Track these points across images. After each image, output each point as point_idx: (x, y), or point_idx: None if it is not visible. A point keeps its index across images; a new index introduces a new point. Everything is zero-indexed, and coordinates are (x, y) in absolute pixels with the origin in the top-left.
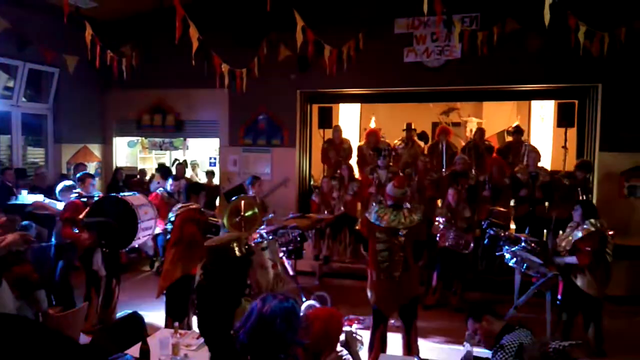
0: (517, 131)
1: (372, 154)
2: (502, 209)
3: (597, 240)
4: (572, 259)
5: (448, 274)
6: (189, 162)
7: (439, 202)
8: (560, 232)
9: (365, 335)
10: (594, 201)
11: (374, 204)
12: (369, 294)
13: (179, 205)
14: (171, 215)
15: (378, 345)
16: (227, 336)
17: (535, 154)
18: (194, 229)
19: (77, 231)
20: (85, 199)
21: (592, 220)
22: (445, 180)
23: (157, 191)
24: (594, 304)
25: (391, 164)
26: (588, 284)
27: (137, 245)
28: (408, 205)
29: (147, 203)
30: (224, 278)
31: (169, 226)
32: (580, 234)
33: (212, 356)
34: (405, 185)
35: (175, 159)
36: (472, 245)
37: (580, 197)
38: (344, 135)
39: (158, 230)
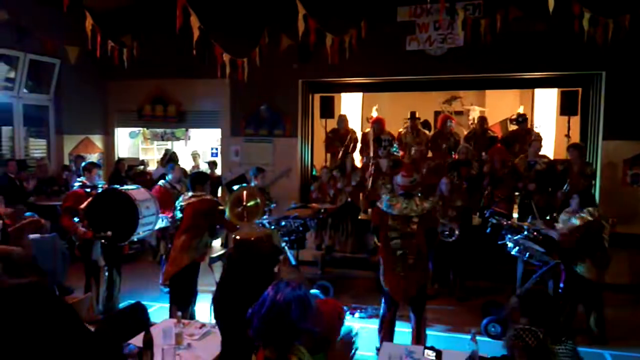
0: (524, 120)
1: (374, 143)
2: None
3: (588, 229)
4: (554, 234)
5: (442, 262)
6: (189, 153)
7: None
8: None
9: (368, 323)
10: (597, 189)
11: (384, 195)
12: (382, 281)
13: (190, 194)
14: (180, 203)
15: (387, 330)
16: (244, 329)
17: (536, 143)
18: (208, 220)
19: (77, 221)
20: (88, 189)
21: (590, 209)
22: (447, 169)
23: (159, 183)
24: (594, 290)
25: (400, 152)
26: (587, 270)
27: (136, 239)
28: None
29: (150, 198)
30: (250, 272)
31: (178, 214)
32: (577, 222)
33: (224, 346)
34: (414, 174)
35: (166, 150)
36: (457, 232)
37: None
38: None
39: (161, 224)
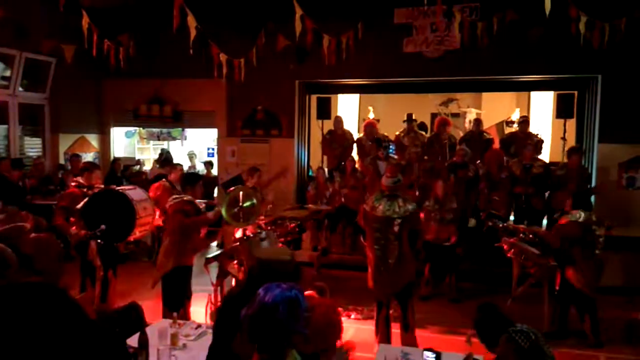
0: (524, 120)
1: (372, 145)
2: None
3: (575, 230)
4: (538, 229)
5: (438, 265)
6: (185, 153)
7: None
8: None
9: (365, 325)
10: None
11: (370, 196)
12: (370, 281)
13: (174, 197)
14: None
15: (383, 328)
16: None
17: (530, 146)
18: (179, 219)
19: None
20: (84, 189)
21: (578, 212)
22: (444, 171)
23: (161, 181)
24: (584, 298)
25: (395, 155)
26: (576, 278)
27: (132, 239)
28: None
29: (147, 198)
30: None
31: None
32: (563, 221)
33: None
34: (398, 174)
35: (162, 149)
36: (454, 238)
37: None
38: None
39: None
